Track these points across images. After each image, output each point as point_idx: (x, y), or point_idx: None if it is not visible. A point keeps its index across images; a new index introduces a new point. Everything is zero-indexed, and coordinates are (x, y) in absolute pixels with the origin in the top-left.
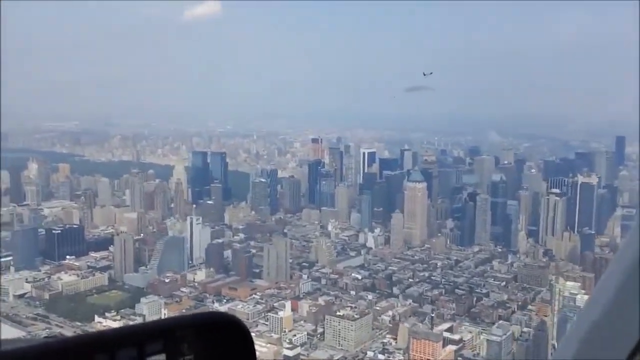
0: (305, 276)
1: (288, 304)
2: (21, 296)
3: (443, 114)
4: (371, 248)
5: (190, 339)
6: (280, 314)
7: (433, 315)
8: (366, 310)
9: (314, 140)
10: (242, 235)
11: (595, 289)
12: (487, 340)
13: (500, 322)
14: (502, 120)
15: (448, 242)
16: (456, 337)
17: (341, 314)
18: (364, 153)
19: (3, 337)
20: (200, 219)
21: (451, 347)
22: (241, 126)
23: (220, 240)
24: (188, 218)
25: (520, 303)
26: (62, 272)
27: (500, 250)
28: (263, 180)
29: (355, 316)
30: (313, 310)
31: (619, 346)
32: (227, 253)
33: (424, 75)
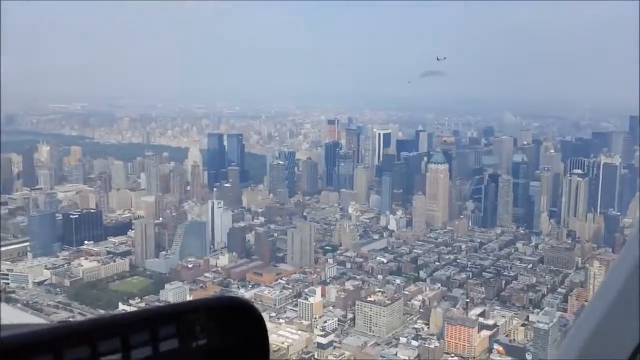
0: (330, 260)
1: (318, 290)
2: (41, 283)
3: (449, 94)
4: (393, 231)
5: (203, 322)
6: (311, 299)
7: (468, 300)
8: (396, 295)
9: (330, 122)
10: (262, 219)
11: (597, 289)
12: (535, 328)
13: (546, 308)
14: (509, 100)
15: (470, 224)
16: (490, 322)
17: (372, 300)
18: (379, 134)
19: (6, 322)
20: (222, 202)
21: (486, 333)
22: (249, 107)
23: (242, 224)
24: (209, 202)
25: (549, 286)
26: (82, 258)
27: (522, 232)
28: (281, 162)
29: (387, 301)
30: (342, 296)
31: (621, 345)
32: (249, 237)
33: (438, 59)
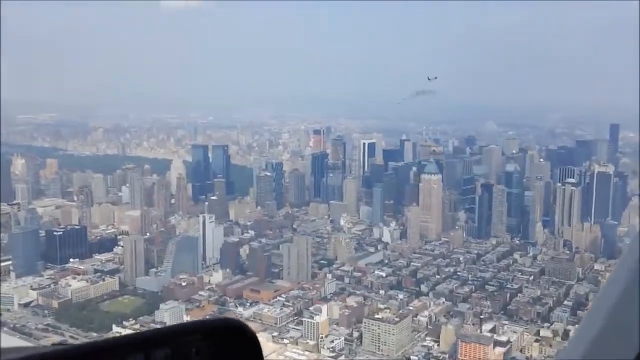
0: (329, 276)
1: (324, 308)
2: (27, 305)
3: (422, 102)
4: (388, 243)
5: (198, 345)
6: (317, 318)
7: (478, 315)
8: (402, 312)
9: (316, 132)
10: (252, 232)
11: (601, 289)
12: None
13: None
14: (483, 108)
15: (464, 235)
16: (502, 338)
17: (380, 317)
18: (364, 144)
19: (5, 346)
20: (213, 217)
21: (500, 349)
22: (223, 116)
23: (235, 239)
24: (200, 216)
25: (554, 299)
26: (68, 277)
27: (518, 242)
28: (268, 174)
29: (395, 319)
30: (345, 313)
31: (627, 346)
32: (241, 252)
33: (429, 79)
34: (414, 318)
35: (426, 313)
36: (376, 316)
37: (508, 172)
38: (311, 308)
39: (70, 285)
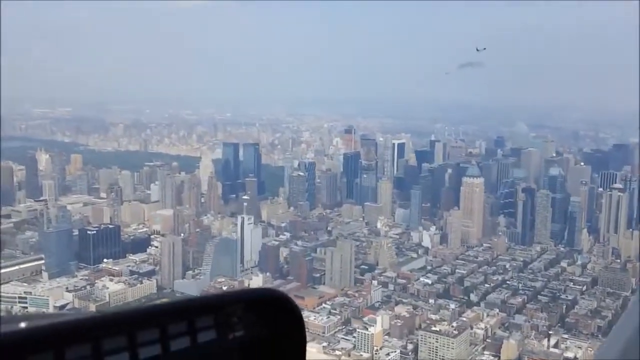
0: (375, 282)
1: (379, 319)
2: (62, 307)
3: (433, 101)
4: (428, 248)
5: (241, 314)
6: (371, 329)
7: (541, 329)
8: (459, 324)
9: (347, 131)
10: (287, 234)
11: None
12: None
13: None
14: (500, 108)
15: (506, 241)
16: (569, 354)
17: (437, 329)
18: (394, 144)
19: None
20: (252, 218)
21: None
22: (239, 113)
23: (275, 242)
24: (239, 217)
25: (613, 312)
26: (103, 278)
27: (563, 249)
28: (301, 174)
29: (454, 331)
30: (398, 324)
31: None
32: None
33: (477, 50)
34: (470, 330)
35: (482, 325)
36: (433, 328)
37: (552, 176)
38: (365, 319)
39: (107, 288)
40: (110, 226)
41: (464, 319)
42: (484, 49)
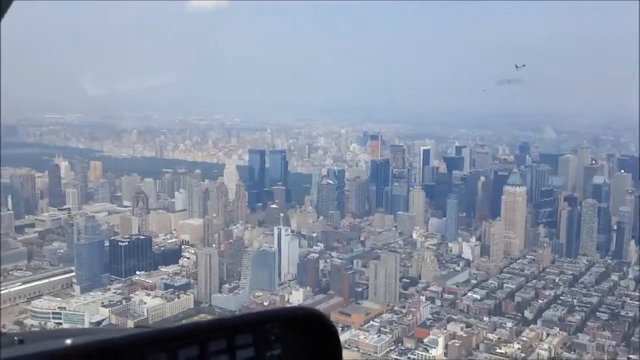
0: (423, 298)
1: (441, 340)
2: (99, 323)
3: (442, 107)
4: (470, 260)
5: (279, 333)
6: (432, 351)
7: (607, 349)
8: (522, 345)
9: (373, 137)
10: (321, 245)
11: None
12: None
13: None
14: (508, 113)
15: (550, 252)
16: None
17: (503, 352)
18: (421, 150)
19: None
20: (289, 229)
21: None
22: (248, 119)
23: (315, 255)
24: (275, 228)
25: None
26: (137, 292)
27: (610, 261)
28: (331, 182)
29: (521, 354)
30: (456, 344)
31: None
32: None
33: (517, 67)
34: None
35: (545, 345)
36: (497, 350)
37: (596, 184)
38: (426, 340)
39: (145, 303)
40: (142, 237)
41: (524, 338)
42: (524, 65)
